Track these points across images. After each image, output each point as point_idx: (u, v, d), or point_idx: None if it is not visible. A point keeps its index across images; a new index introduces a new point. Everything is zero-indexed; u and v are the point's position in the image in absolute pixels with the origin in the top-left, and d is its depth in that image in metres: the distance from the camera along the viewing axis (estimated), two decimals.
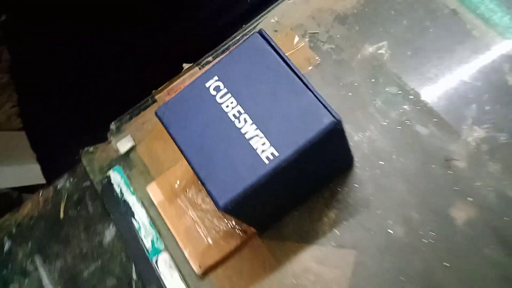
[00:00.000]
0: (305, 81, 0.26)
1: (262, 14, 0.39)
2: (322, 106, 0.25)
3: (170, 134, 0.27)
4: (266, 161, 0.25)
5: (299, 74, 0.26)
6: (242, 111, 0.26)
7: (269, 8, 0.39)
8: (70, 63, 0.48)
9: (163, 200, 0.35)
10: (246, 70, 0.27)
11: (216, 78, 0.27)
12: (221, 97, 0.27)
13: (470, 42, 0.33)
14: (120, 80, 0.43)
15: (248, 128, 0.26)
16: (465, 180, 0.30)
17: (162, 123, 0.28)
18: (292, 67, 0.26)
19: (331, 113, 0.25)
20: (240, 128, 0.26)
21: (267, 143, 0.25)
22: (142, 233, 0.35)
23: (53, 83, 0.52)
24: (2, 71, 0.96)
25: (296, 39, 0.37)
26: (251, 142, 0.25)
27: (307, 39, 0.37)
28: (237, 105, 0.26)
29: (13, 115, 1.04)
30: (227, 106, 0.27)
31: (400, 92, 0.33)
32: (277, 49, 0.27)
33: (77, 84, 0.48)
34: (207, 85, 0.27)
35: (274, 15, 0.39)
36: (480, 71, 0.32)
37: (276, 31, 0.38)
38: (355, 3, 0.37)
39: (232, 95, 0.27)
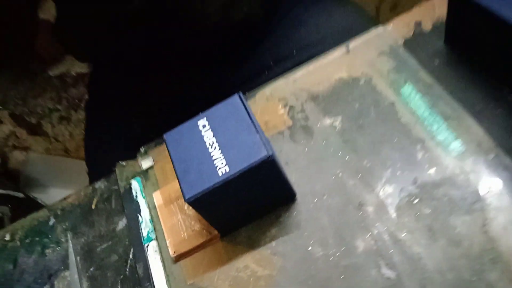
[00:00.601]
0: (257, 128, 0.38)
1: (260, 86, 0.52)
2: (263, 144, 0.37)
3: (168, 150, 0.40)
4: (220, 174, 0.37)
5: (255, 123, 0.38)
6: (215, 141, 0.39)
7: (267, 83, 0.53)
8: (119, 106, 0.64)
9: (162, 204, 0.47)
10: (225, 116, 0.40)
11: (205, 118, 0.41)
12: (205, 131, 0.40)
13: (397, 127, 0.44)
14: (151, 121, 0.58)
15: (216, 153, 0.38)
16: (369, 221, 0.40)
17: (165, 142, 0.41)
18: (252, 118, 0.39)
19: (267, 150, 0.36)
20: (211, 152, 0.38)
21: (224, 163, 0.37)
22: (143, 226, 0.47)
23: (107, 121, 0.68)
24: (82, 109, 1.16)
25: (280, 107, 0.50)
26: (215, 161, 0.37)
27: (287, 108, 0.50)
28: (213, 137, 0.39)
29: (81, 146, 1.23)
30: (207, 137, 0.39)
31: (340, 153, 0.44)
32: (246, 106, 0.40)
33: (123, 120, 0.64)
34: (198, 123, 0.41)
35: (269, 89, 0.52)
36: (398, 147, 0.43)
37: (267, 100, 0.51)
38: (327, 88, 0.50)
39: (212, 131, 0.39)
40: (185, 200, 0.37)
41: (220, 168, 0.37)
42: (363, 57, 0.51)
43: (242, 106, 0.40)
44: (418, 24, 0.51)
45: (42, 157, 1.40)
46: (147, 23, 0.58)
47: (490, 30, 0.40)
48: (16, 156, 1.36)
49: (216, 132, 0.39)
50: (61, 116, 1.26)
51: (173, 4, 0.55)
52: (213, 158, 0.38)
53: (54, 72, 1.14)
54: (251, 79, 0.57)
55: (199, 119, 0.41)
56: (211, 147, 0.38)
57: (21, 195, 1.22)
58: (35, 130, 1.28)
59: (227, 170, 0.37)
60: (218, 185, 0.36)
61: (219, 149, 0.38)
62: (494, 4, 0.38)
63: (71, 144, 1.34)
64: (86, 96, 0.94)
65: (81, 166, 0.91)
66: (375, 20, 0.69)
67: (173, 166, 0.39)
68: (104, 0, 0.54)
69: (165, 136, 0.41)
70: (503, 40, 0.40)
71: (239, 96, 0.40)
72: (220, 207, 0.39)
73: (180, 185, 0.37)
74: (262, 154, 0.36)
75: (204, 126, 0.40)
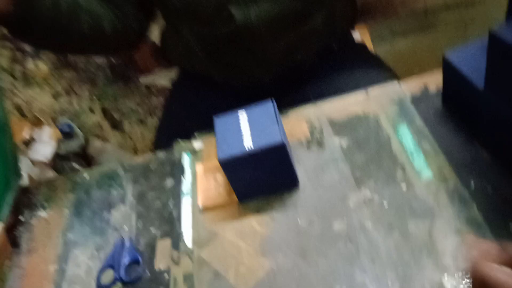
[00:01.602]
0: (279, 123, 0.51)
1: (294, 107, 0.66)
2: (279, 135, 0.50)
3: (214, 127, 0.54)
4: (246, 148, 0.50)
5: (278, 120, 0.51)
6: (248, 126, 0.52)
7: (300, 105, 0.66)
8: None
9: (201, 171, 0.60)
10: (259, 112, 0.53)
11: (244, 111, 0.54)
12: (242, 119, 0.53)
13: (387, 152, 0.55)
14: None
15: (247, 132, 0.51)
16: (347, 211, 0.51)
17: (214, 123, 0.55)
18: (277, 117, 0.52)
19: (281, 138, 0.49)
20: (243, 133, 0.51)
21: (250, 141, 0.50)
22: (183, 185, 0.60)
23: (177, 113, 0.84)
24: (157, 116, 1.33)
25: (304, 123, 0.63)
26: (244, 138, 0.51)
27: (309, 125, 0.62)
28: (247, 123, 0.52)
29: (148, 147, 1.40)
30: (242, 123, 0.52)
31: (339, 163, 0.56)
32: (275, 108, 0.53)
33: (188, 115, 0.79)
34: (239, 112, 0.54)
35: (300, 110, 0.65)
36: (384, 166, 0.54)
37: (297, 117, 0.64)
38: (343, 117, 0.62)
39: (247, 119, 0.53)
40: (218, 159, 0.50)
41: (246, 144, 0.50)
42: (377, 101, 0.63)
43: (272, 108, 0.53)
44: (425, 85, 0.63)
45: (115, 150, 1.59)
46: (228, 52, 0.74)
47: (467, 94, 0.51)
48: (96, 144, 1.56)
49: (250, 120, 0.52)
50: (139, 118, 1.46)
51: (251, 41, 0.70)
52: (243, 137, 0.51)
53: (143, 80, 1.35)
54: (292, 106, 0.70)
55: (240, 110, 0.54)
56: (244, 130, 0.52)
57: None
58: (116, 125, 1.48)
59: (251, 146, 0.49)
60: (242, 154, 0.49)
61: (249, 132, 0.51)
62: (467, 72, 0.50)
63: (140, 144, 1.53)
64: (163, 104, 1.10)
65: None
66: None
67: (215, 137, 0.52)
68: (207, 22, 0.70)
69: (214, 117, 0.55)
70: (474, 102, 0.51)
71: (272, 101, 0.54)
72: (241, 174, 0.52)
73: (217, 149, 0.51)
74: (278, 140, 0.49)
75: (242, 115, 0.53)
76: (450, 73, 0.53)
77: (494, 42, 0.41)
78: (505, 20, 0.53)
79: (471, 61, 0.51)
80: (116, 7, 0.70)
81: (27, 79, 1.33)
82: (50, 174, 1.36)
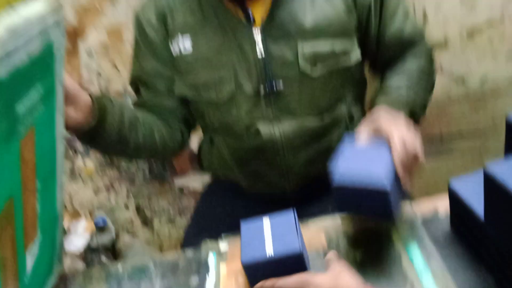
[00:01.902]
0: (298, 231, 0.57)
1: (314, 218, 0.71)
2: (298, 244, 0.55)
3: (240, 229, 0.60)
4: (267, 254, 0.55)
5: (297, 229, 0.57)
6: (270, 233, 0.58)
7: (320, 216, 0.72)
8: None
9: (225, 271, 0.65)
10: (280, 219, 0.60)
11: (268, 217, 0.61)
12: (266, 225, 0.59)
13: (397, 268, 0.59)
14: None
15: (268, 239, 0.57)
16: None
17: (241, 227, 0.61)
18: (297, 225, 0.58)
19: (299, 247, 0.55)
20: (265, 239, 0.57)
21: (271, 248, 0.56)
22: (207, 282, 0.65)
23: (204, 219, 0.91)
24: (186, 217, 1.39)
25: (322, 234, 0.68)
26: (266, 245, 0.56)
27: (327, 236, 0.67)
28: (270, 229, 0.58)
29: (173, 247, 1.45)
30: (266, 229, 0.59)
31: (356, 272, 0.60)
32: (295, 217, 0.59)
33: (215, 220, 0.86)
34: (263, 219, 0.61)
35: (320, 220, 0.71)
36: (394, 281, 0.57)
37: (316, 226, 0.70)
38: (358, 231, 0.67)
39: (270, 225, 0.59)
40: (241, 262, 0.55)
41: (268, 250, 0.55)
42: None
43: (293, 217, 0.60)
44: (435, 208, 0.68)
45: (142, 246, 1.64)
46: (255, 162, 0.83)
47: (470, 222, 0.56)
48: (125, 239, 1.62)
49: (272, 227, 0.59)
50: (169, 217, 1.53)
51: (275, 153, 0.80)
52: (266, 242, 0.57)
53: (178, 182, 1.44)
54: (312, 216, 0.76)
55: (264, 217, 0.61)
56: (267, 236, 0.57)
57: None
58: (147, 222, 1.55)
59: (272, 253, 0.55)
60: (263, 260, 0.55)
61: (271, 238, 0.57)
62: (470, 202, 0.55)
63: (167, 243, 1.58)
64: (193, 206, 1.17)
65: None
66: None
67: (241, 240, 0.58)
68: (238, 136, 0.80)
69: (241, 221, 0.61)
70: (477, 230, 0.55)
71: (293, 210, 0.61)
72: (261, 277, 0.56)
73: (241, 252, 0.56)
74: (296, 250, 0.55)
75: (266, 222, 0.60)
76: (455, 201, 0.59)
77: (489, 180, 0.47)
78: (503, 157, 0.60)
79: (475, 190, 0.56)
80: (166, 121, 0.82)
81: (74, 174, 1.46)
82: (80, 265, 1.41)
